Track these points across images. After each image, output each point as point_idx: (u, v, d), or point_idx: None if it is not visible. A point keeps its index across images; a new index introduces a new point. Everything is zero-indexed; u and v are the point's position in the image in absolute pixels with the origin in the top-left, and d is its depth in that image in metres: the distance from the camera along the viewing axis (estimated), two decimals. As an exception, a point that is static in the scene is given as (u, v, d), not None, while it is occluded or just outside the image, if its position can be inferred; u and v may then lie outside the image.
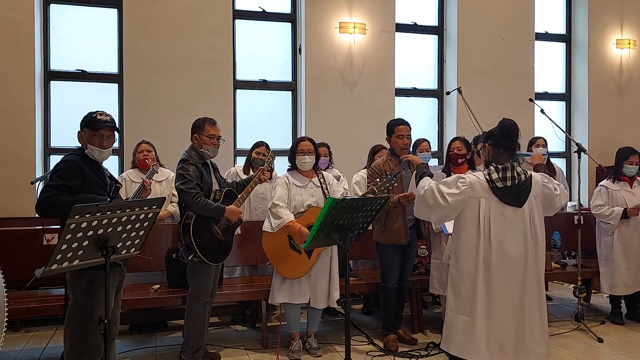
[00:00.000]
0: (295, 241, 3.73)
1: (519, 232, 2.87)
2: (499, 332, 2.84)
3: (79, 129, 2.80)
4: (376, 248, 4.08)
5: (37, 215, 2.72)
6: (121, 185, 3.06)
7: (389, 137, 4.08)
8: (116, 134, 2.88)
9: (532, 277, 2.89)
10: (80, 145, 2.83)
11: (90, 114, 2.81)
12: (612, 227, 4.62)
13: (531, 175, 2.96)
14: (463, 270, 2.93)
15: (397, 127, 4.01)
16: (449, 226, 3.72)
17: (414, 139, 5.31)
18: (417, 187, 3.11)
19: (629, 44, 7.19)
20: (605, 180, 4.81)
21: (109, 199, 2.73)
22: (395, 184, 3.79)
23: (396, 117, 4.38)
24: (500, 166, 2.90)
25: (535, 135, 5.48)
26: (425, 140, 5.00)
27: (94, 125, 2.76)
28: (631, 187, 4.71)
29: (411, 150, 4.99)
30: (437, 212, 2.99)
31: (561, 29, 7.41)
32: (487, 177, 2.90)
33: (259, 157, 4.62)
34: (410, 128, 4.04)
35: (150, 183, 4.04)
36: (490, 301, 2.85)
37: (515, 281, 2.86)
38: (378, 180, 3.77)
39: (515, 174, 2.88)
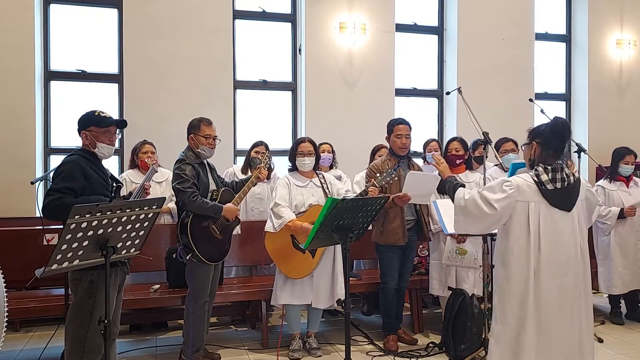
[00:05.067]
0: (298, 239, 3.73)
1: (570, 237, 2.67)
2: (549, 347, 2.64)
3: (82, 130, 2.80)
4: (376, 249, 4.08)
5: (37, 215, 2.73)
6: (122, 184, 3.06)
7: (388, 136, 4.08)
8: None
9: (583, 288, 2.71)
10: (80, 146, 2.84)
11: (92, 112, 2.82)
12: (609, 227, 4.64)
13: (579, 178, 2.76)
14: (512, 280, 2.70)
15: (396, 127, 4.01)
16: (449, 226, 3.71)
17: (417, 139, 5.32)
18: (453, 200, 2.90)
19: (629, 43, 7.19)
20: (602, 180, 4.82)
21: (109, 199, 2.73)
22: (395, 178, 3.79)
23: (396, 117, 4.37)
24: (549, 167, 2.68)
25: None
26: (434, 140, 5.00)
27: (102, 123, 2.79)
28: (627, 187, 4.72)
29: (422, 150, 4.98)
30: (483, 222, 2.76)
31: (561, 29, 7.40)
32: (536, 178, 2.67)
33: (257, 157, 4.61)
34: (410, 128, 4.04)
35: (150, 186, 4.05)
36: (540, 313, 2.64)
37: (567, 292, 2.66)
38: (378, 175, 3.79)
39: (565, 176, 2.67)
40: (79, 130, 2.83)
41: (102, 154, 2.82)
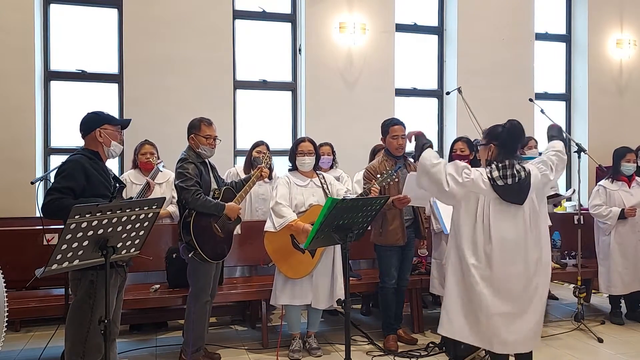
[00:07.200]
0: (298, 240, 3.73)
1: (520, 229, 2.89)
2: (497, 329, 2.87)
3: (95, 128, 2.78)
4: (375, 249, 4.08)
5: (37, 215, 2.73)
6: (125, 185, 3.07)
7: (383, 137, 4.07)
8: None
9: (536, 276, 2.91)
10: (82, 146, 2.84)
11: (100, 112, 2.85)
12: (609, 227, 4.63)
13: (529, 170, 2.95)
14: (463, 262, 2.94)
15: (391, 128, 4.00)
16: (449, 226, 3.71)
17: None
18: (418, 157, 3.10)
19: (629, 43, 7.19)
20: (603, 180, 4.82)
21: (110, 200, 2.73)
22: (396, 179, 3.79)
23: (396, 117, 4.37)
24: (500, 164, 2.91)
25: (529, 136, 5.41)
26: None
27: (114, 121, 2.83)
28: (629, 187, 4.71)
29: (413, 150, 4.99)
30: (433, 189, 3.04)
31: (561, 29, 7.41)
32: (489, 174, 2.91)
33: (259, 156, 4.61)
34: (405, 128, 4.03)
35: (155, 183, 4.05)
36: (493, 296, 2.87)
37: (519, 279, 2.88)
38: (379, 175, 3.78)
39: (515, 172, 2.89)
40: (91, 129, 2.80)
41: (114, 152, 2.86)
